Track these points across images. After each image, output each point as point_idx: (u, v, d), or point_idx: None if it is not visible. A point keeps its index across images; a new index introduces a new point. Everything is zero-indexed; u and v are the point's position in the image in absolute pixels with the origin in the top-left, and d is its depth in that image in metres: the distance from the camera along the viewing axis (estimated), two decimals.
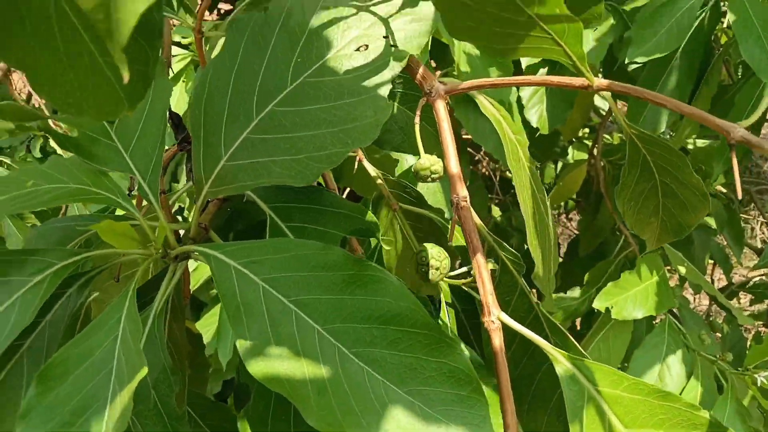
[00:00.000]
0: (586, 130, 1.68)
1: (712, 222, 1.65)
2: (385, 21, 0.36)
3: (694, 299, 2.27)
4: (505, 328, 0.34)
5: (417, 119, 0.38)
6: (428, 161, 0.38)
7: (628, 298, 1.03)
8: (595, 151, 1.43)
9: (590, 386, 0.32)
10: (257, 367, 0.29)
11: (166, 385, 0.34)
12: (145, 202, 0.41)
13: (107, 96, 0.27)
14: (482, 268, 0.34)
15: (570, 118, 1.15)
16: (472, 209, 0.36)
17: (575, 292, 1.16)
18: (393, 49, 0.35)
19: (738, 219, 1.71)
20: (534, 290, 0.50)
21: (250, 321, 0.30)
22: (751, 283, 1.97)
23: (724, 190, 1.75)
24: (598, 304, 1.01)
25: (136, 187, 0.38)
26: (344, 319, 0.31)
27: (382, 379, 0.30)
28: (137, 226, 0.35)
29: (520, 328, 0.33)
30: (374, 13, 0.36)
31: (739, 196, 0.30)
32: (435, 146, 0.45)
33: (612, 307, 1.01)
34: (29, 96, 1.79)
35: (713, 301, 1.42)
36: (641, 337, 1.11)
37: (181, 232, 0.42)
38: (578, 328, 1.72)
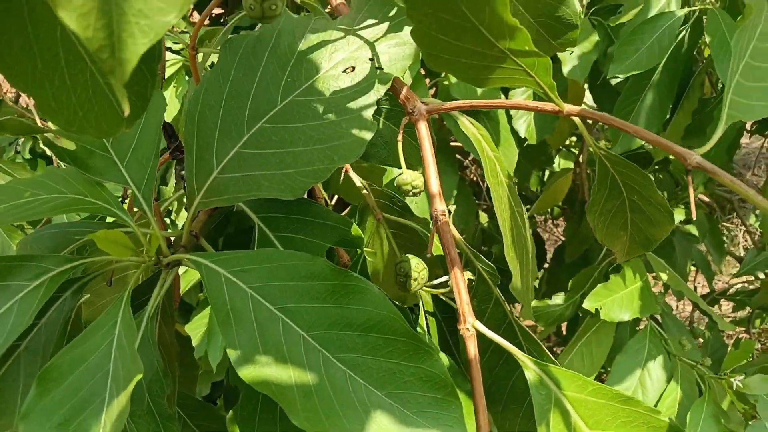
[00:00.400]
0: (574, 138, 1.72)
1: (694, 230, 1.69)
2: (370, 44, 0.38)
3: (677, 306, 2.31)
4: (481, 336, 0.36)
5: (400, 137, 0.40)
6: (409, 177, 0.40)
7: (615, 300, 1.06)
8: (580, 160, 1.47)
9: (557, 390, 0.34)
10: (246, 372, 0.31)
11: (158, 387, 0.36)
12: (136, 209, 0.43)
13: (107, 115, 0.28)
14: (459, 279, 0.36)
15: (558, 128, 1.17)
16: (450, 224, 0.38)
17: (559, 298, 1.19)
18: (378, 71, 0.37)
19: (719, 228, 1.75)
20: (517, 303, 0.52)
21: (239, 327, 0.32)
22: (733, 290, 2.01)
23: (707, 199, 1.79)
24: (588, 304, 1.04)
25: (128, 195, 0.40)
26: (328, 327, 0.33)
27: (364, 383, 0.32)
28: (131, 234, 0.37)
29: (493, 336, 0.36)
30: (361, 37, 0.38)
31: (694, 217, 0.32)
32: (419, 159, 0.47)
33: (601, 308, 1.04)
34: (17, 96, 1.79)
35: (695, 307, 1.45)
36: (624, 343, 1.14)
37: (172, 238, 0.44)
38: (564, 333, 1.75)
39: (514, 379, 0.45)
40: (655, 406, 1.09)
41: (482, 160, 0.43)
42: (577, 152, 1.59)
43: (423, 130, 0.39)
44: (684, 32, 0.89)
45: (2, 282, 0.35)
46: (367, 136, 0.36)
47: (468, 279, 0.44)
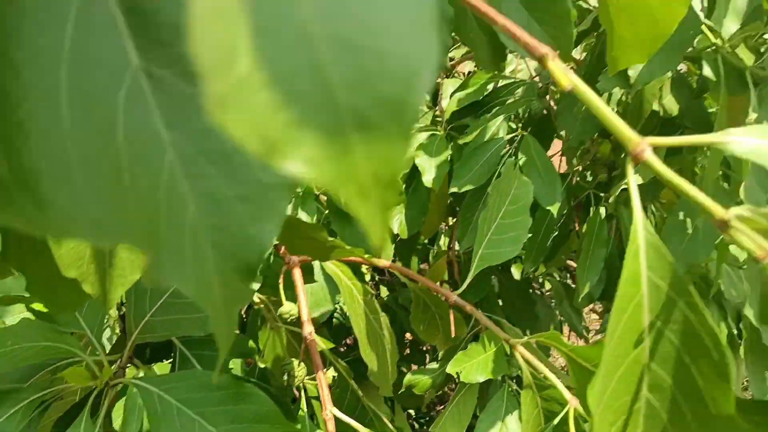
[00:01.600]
0: (453, 219, 1.99)
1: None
2: None
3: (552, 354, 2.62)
4: (337, 418, 0.54)
5: (281, 281, 0.58)
6: (287, 307, 0.58)
7: (473, 365, 1.28)
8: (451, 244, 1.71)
9: None
10: None
11: None
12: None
13: (78, 297, 0.44)
14: (321, 378, 0.54)
15: (427, 222, 1.41)
16: (316, 341, 0.56)
17: (434, 365, 1.39)
18: None
19: (573, 292, 2.06)
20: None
21: (167, 428, 0.48)
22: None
23: (573, 264, 2.12)
24: (451, 369, 1.25)
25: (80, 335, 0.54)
26: (231, 422, 0.49)
27: None
28: (87, 366, 0.51)
29: (345, 418, 0.53)
30: None
31: (453, 335, 0.52)
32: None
33: (461, 372, 1.26)
34: None
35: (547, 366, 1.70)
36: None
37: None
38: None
39: None
40: None
41: (340, 287, 0.62)
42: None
43: (297, 275, 0.58)
44: (509, 154, 1.16)
45: None
46: (255, 287, 0.54)
47: (333, 376, 0.61)
